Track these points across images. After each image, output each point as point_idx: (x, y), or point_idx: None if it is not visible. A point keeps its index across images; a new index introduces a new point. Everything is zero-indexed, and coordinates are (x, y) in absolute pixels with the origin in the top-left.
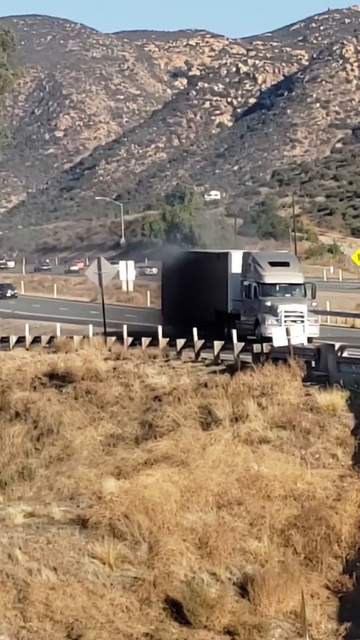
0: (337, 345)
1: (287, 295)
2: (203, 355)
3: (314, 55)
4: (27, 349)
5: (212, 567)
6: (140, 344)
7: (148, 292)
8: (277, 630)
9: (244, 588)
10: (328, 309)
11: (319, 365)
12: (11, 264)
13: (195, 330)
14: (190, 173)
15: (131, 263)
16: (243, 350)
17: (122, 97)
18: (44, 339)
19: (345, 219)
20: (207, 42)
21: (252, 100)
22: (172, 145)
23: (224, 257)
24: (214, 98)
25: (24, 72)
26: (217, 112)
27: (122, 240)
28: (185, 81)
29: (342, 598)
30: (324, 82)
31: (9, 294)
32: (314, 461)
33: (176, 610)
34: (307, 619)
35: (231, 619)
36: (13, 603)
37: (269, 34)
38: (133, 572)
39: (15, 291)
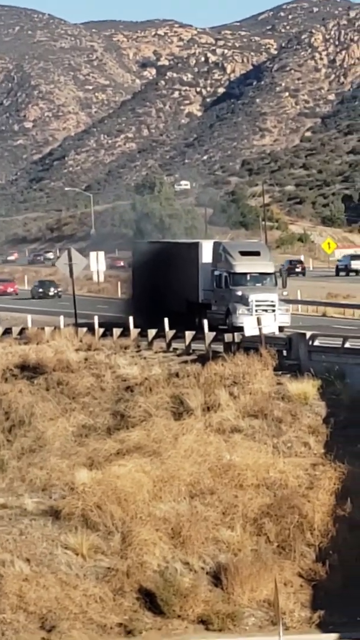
0: (309, 334)
1: (257, 284)
2: (174, 345)
3: (283, 45)
4: None
5: (185, 557)
6: (112, 334)
7: (119, 283)
8: (250, 619)
9: (217, 577)
10: (299, 297)
11: (290, 354)
12: None
13: (166, 320)
14: (159, 163)
15: (101, 254)
16: (214, 339)
17: (91, 87)
18: (15, 330)
19: (315, 207)
20: (175, 32)
21: (221, 90)
22: (141, 136)
23: (195, 247)
24: (183, 88)
25: None
26: (186, 101)
27: (92, 231)
28: (154, 71)
29: (315, 586)
30: (292, 71)
31: (52, 293)
32: (286, 450)
33: (150, 600)
34: (281, 607)
35: (205, 608)
36: None
37: (237, 23)
38: (106, 562)
39: (60, 289)
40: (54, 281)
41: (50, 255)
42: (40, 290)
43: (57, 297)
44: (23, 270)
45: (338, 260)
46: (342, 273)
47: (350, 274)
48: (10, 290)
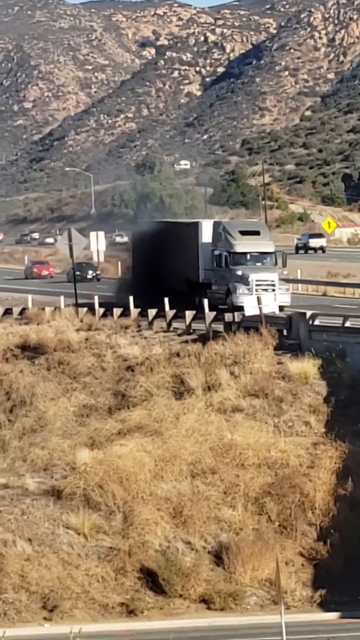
0: (309, 313)
1: (258, 264)
2: (175, 325)
3: (282, 24)
4: None
5: (186, 536)
6: (112, 314)
7: (119, 263)
8: (252, 598)
9: (219, 556)
10: (299, 277)
11: (290, 333)
12: None
13: (166, 300)
14: (159, 143)
15: (101, 234)
16: (215, 319)
17: (90, 67)
18: (16, 310)
19: (315, 186)
20: (174, 11)
21: (221, 69)
22: (141, 115)
23: (195, 227)
24: (183, 67)
25: None
26: (186, 81)
27: (93, 211)
28: (153, 51)
29: (316, 565)
30: (292, 50)
31: (90, 276)
32: (287, 429)
33: (151, 579)
34: (282, 587)
35: (206, 587)
36: None
37: (237, 3)
38: (108, 542)
39: (99, 272)
40: (92, 263)
41: (36, 235)
42: (78, 272)
43: (96, 280)
44: (23, 251)
45: (297, 239)
46: (301, 251)
47: (309, 251)
48: (45, 273)
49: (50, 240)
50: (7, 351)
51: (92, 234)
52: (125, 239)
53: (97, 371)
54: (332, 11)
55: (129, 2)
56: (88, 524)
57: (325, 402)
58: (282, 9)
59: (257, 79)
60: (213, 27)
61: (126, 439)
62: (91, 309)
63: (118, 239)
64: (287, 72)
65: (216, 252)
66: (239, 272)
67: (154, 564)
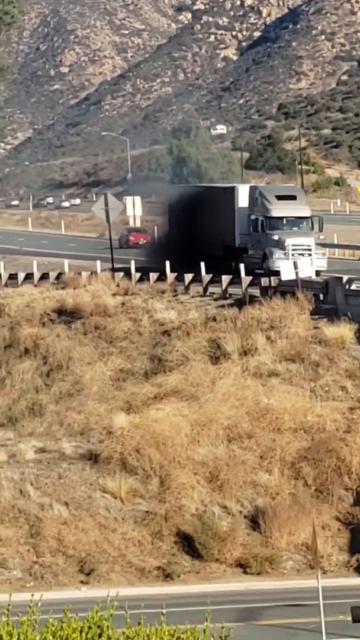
0: (345, 278)
1: (294, 228)
2: (211, 289)
3: None
4: (35, 286)
5: (223, 501)
6: (148, 279)
7: (155, 227)
8: (288, 562)
9: (255, 521)
10: (335, 241)
11: (327, 298)
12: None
13: (202, 264)
14: (196, 107)
15: (138, 199)
16: (251, 284)
17: (126, 32)
18: (52, 275)
19: (351, 151)
20: None
21: (257, 34)
22: (177, 80)
23: (231, 191)
24: (219, 32)
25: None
26: (222, 45)
27: (129, 175)
28: (189, 15)
29: (353, 529)
30: (328, 14)
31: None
32: (324, 394)
33: (188, 543)
34: (319, 551)
35: (243, 551)
36: (25, 538)
37: None
38: (144, 506)
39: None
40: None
41: (50, 199)
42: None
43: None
44: (60, 215)
45: None
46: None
47: None
48: (142, 241)
49: (66, 204)
50: (44, 315)
51: (129, 199)
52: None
53: (134, 336)
54: None
55: None
56: (125, 488)
57: None
58: None
59: (294, 43)
60: None
61: (162, 404)
62: (127, 273)
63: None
64: (323, 36)
65: (252, 217)
66: (276, 237)
67: (191, 528)
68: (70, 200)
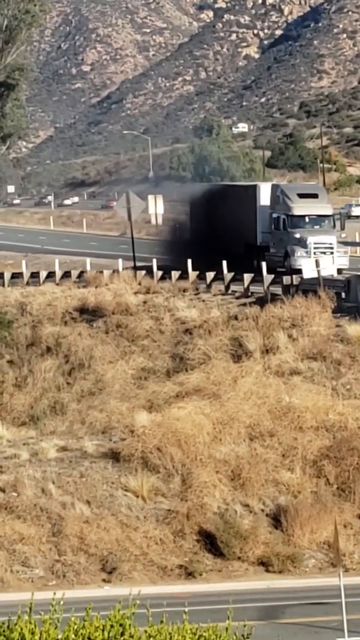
0: None
1: (316, 226)
2: (233, 287)
3: None
4: (57, 284)
5: (245, 499)
6: (170, 277)
7: (177, 226)
8: (310, 560)
9: (277, 519)
10: (357, 240)
11: (349, 296)
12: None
13: (224, 263)
14: (217, 105)
15: (160, 197)
16: (273, 282)
17: (148, 30)
18: (74, 273)
19: None
20: None
21: (279, 32)
22: (199, 78)
23: (253, 190)
24: (240, 30)
25: (50, 6)
26: (244, 44)
27: (151, 173)
28: (211, 13)
29: None
30: (350, 13)
31: None
32: (345, 392)
33: (210, 542)
34: (341, 549)
35: (265, 550)
36: (47, 537)
37: None
38: (166, 504)
39: None
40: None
41: (50, 197)
42: None
43: None
44: (81, 214)
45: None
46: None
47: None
48: None
49: (68, 202)
50: (66, 314)
51: (150, 197)
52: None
53: (155, 334)
54: None
55: None
56: (146, 486)
57: None
58: None
59: (315, 42)
60: None
61: (184, 402)
62: (149, 271)
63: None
64: (345, 35)
65: (274, 215)
66: (297, 235)
67: (213, 527)
68: (72, 198)
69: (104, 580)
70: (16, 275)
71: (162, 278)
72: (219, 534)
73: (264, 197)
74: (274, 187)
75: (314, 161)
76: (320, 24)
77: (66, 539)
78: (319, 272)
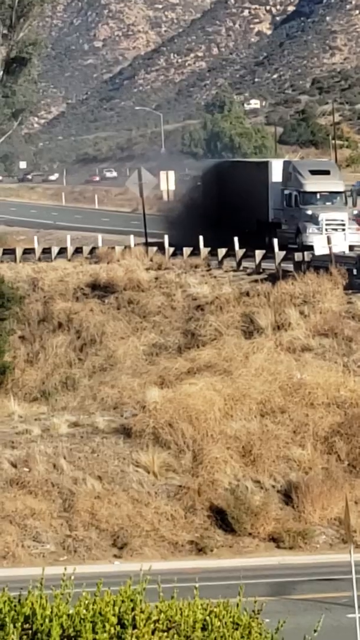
0: None
1: (327, 203)
2: (244, 264)
3: None
4: (68, 260)
5: (256, 475)
6: (182, 253)
7: (189, 202)
8: (321, 537)
9: (288, 495)
10: None
11: None
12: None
13: (236, 239)
14: (229, 82)
15: (171, 173)
16: (284, 259)
17: (160, 6)
18: (86, 249)
19: None
20: None
21: (291, 8)
22: (211, 54)
23: (264, 166)
24: (253, 6)
25: None
26: (256, 20)
27: (163, 150)
28: None
29: None
30: None
31: None
32: (357, 368)
33: (221, 518)
34: (352, 525)
35: (275, 526)
36: (59, 512)
37: None
38: (177, 480)
39: None
40: None
41: (29, 176)
42: None
43: None
44: (93, 190)
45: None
46: None
47: None
48: None
49: (52, 177)
50: (78, 290)
51: (162, 173)
52: (114, 174)
53: (167, 310)
54: None
55: None
56: (157, 462)
57: None
58: None
59: (328, 18)
60: None
61: (196, 378)
62: (161, 248)
63: (108, 174)
64: (357, 11)
65: (286, 192)
66: (309, 212)
67: (224, 503)
68: (56, 174)
69: (115, 556)
70: (28, 251)
71: (174, 254)
72: (229, 510)
73: (276, 173)
74: (286, 164)
75: (326, 138)
76: (332, 0)
77: (77, 515)
78: (330, 248)
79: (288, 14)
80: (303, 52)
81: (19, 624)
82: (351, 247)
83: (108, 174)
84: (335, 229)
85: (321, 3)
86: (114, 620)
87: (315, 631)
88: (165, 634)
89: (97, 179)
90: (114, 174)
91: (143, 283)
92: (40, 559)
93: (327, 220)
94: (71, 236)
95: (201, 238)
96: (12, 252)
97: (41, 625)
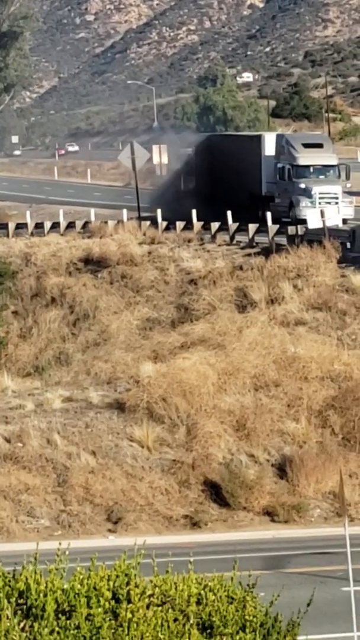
0: None
1: (321, 177)
2: (238, 238)
3: None
4: (61, 235)
5: (250, 449)
6: (175, 227)
7: (181, 177)
8: (316, 510)
9: (282, 469)
10: None
11: (354, 246)
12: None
13: (229, 213)
14: (222, 55)
15: (164, 147)
16: (278, 232)
17: None
18: (79, 224)
19: None
20: None
21: None
22: (203, 28)
23: (257, 140)
24: None
25: None
26: None
27: (155, 124)
28: None
29: None
30: None
31: None
32: (351, 342)
33: (215, 492)
34: (346, 499)
35: (270, 500)
36: (53, 487)
37: None
38: (171, 454)
39: None
40: None
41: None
42: None
43: None
44: (85, 164)
45: None
46: None
47: None
48: None
49: (17, 152)
50: (70, 265)
51: (155, 147)
52: (76, 148)
53: (160, 284)
54: None
55: None
56: (152, 436)
57: None
58: None
59: None
60: None
61: (189, 352)
62: (154, 222)
63: (70, 149)
64: None
65: (279, 165)
66: (302, 185)
67: (218, 477)
68: (21, 148)
69: (109, 530)
70: (20, 226)
71: (167, 228)
72: (224, 484)
73: (269, 147)
74: (279, 137)
75: (319, 111)
76: None
77: (71, 489)
78: (324, 222)
79: None
80: (295, 25)
81: (13, 599)
82: (345, 221)
83: (70, 148)
84: (329, 202)
85: None
86: (109, 594)
87: (308, 604)
88: (160, 608)
89: (63, 152)
90: (76, 147)
91: (136, 257)
92: (34, 534)
93: (320, 193)
94: (64, 211)
95: (194, 212)
96: (4, 226)
97: (35, 600)
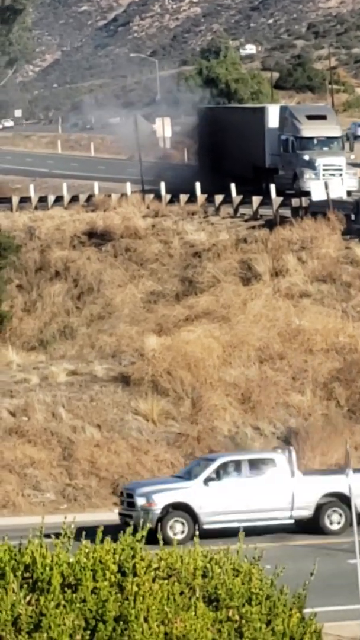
0: None
1: (325, 148)
2: (242, 210)
3: None
4: (65, 208)
5: (255, 422)
6: (179, 200)
7: (185, 149)
8: None
9: (287, 442)
10: None
11: (358, 218)
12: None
13: (233, 185)
14: (225, 27)
15: (167, 120)
16: (282, 204)
17: None
18: (82, 197)
19: None
20: None
21: None
22: (206, 0)
23: (261, 112)
24: None
25: None
26: None
27: (158, 96)
28: None
29: None
30: None
31: None
32: (355, 314)
33: None
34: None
35: None
36: (58, 461)
37: None
38: (177, 428)
39: None
40: None
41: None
42: None
43: None
44: (89, 138)
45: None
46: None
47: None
48: None
49: (7, 124)
50: (74, 238)
51: (158, 120)
52: (11, 123)
53: (164, 258)
54: None
55: None
56: (157, 409)
57: None
58: None
59: None
60: None
61: (194, 325)
62: (157, 195)
63: (6, 124)
64: None
65: (283, 137)
66: (306, 157)
67: (223, 449)
68: (9, 121)
69: (115, 504)
70: (24, 200)
71: (171, 201)
72: None
73: (272, 119)
74: (282, 109)
75: (323, 82)
76: None
77: (77, 463)
78: (328, 194)
79: None
80: None
81: (19, 572)
82: (349, 193)
83: (6, 124)
84: (333, 174)
85: None
86: (115, 568)
87: (311, 574)
88: (166, 581)
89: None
90: (10, 123)
91: (140, 230)
92: (40, 508)
93: (324, 165)
94: (67, 184)
95: (198, 185)
96: (8, 200)
97: (41, 573)
